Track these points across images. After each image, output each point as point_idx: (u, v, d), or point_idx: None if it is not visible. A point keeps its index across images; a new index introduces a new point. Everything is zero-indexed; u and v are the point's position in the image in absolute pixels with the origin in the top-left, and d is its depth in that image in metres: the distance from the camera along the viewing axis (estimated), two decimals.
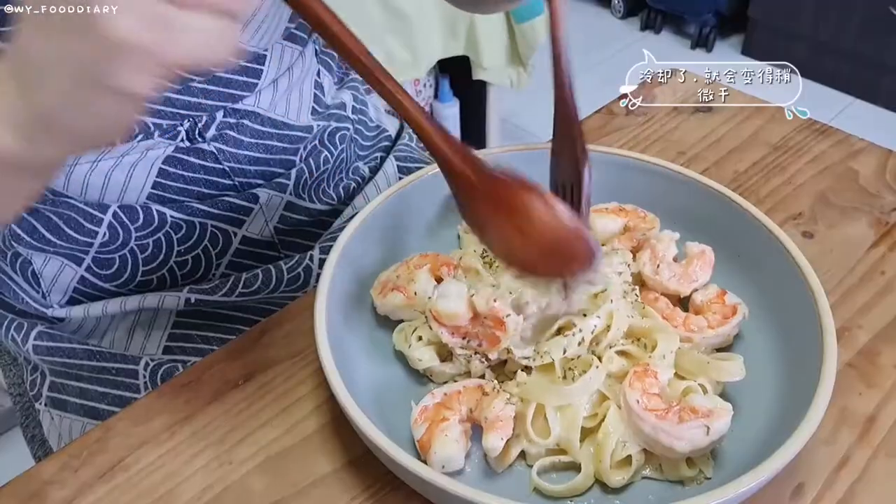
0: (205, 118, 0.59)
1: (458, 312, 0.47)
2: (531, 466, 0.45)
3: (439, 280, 0.53)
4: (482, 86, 1.71)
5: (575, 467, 0.45)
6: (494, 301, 0.46)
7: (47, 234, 0.59)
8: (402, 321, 0.53)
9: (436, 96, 1.74)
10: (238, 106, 0.60)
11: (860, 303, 0.55)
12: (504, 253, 0.42)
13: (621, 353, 0.47)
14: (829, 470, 0.46)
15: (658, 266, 0.52)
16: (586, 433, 0.46)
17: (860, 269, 0.58)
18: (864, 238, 0.60)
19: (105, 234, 0.59)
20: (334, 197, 0.69)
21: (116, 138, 0.56)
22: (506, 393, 0.45)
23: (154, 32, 0.31)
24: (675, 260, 0.54)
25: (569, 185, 0.49)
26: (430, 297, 0.50)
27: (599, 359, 0.46)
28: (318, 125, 0.67)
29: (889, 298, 0.55)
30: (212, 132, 0.59)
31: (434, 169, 0.57)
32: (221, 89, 0.59)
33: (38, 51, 0.33)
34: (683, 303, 0.53)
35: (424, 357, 0.49)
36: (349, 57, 0.39)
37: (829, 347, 0.44)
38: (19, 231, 0.60)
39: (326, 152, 0.68)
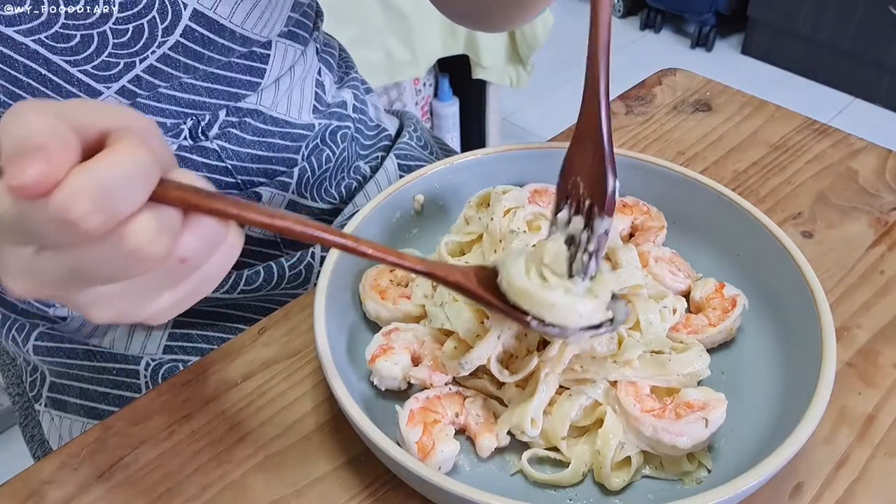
0: (208, 116, 0.59)
1: (400, 387, 0.48)
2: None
3: None
4: (482, 85, 1.71)
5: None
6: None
7: None
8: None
9: (435, 95, 1.74)
10: (241, 104, 0.60)
11: (859, 302, 0.55)
12: None
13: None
14: (829, 469, 0.46)
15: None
16: (581, 431, 0.46)
17: (859, 269, 0.58)
18: (863, 237, 0.60)
19: None
20: (336, 196, 0.69)
21: None
22: (481, 396, 0.47)
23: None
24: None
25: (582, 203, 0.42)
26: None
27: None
28: (320, 124, 0.67)
29: (888, 298, 0.55)
30: (215, 130, 0.59)
31: (434, 168, 0.57)
32: (225, 88, 0.59)
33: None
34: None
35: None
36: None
37: (828, 347, 0.44)
38: None
39: (328, 151, 0.68)
